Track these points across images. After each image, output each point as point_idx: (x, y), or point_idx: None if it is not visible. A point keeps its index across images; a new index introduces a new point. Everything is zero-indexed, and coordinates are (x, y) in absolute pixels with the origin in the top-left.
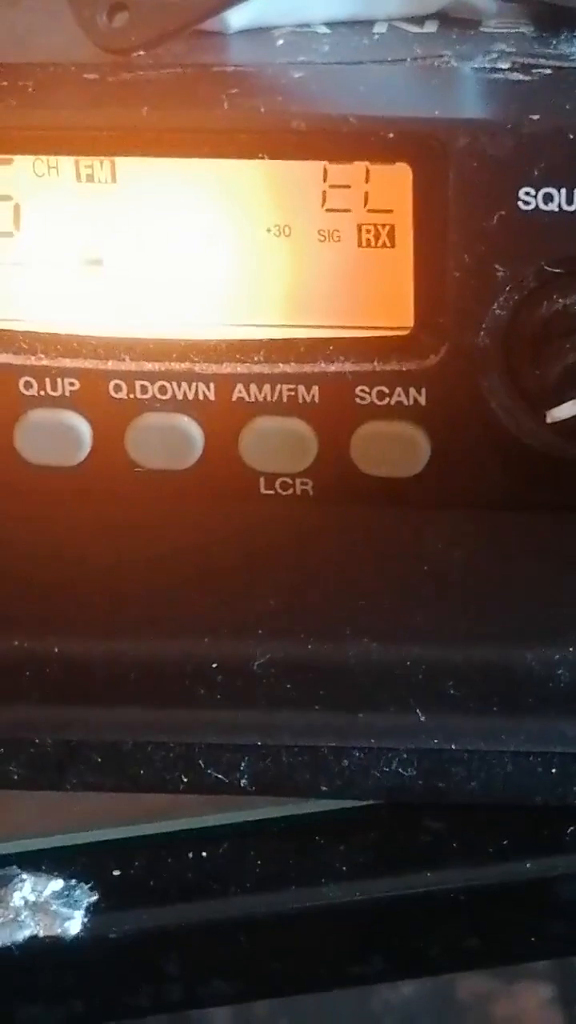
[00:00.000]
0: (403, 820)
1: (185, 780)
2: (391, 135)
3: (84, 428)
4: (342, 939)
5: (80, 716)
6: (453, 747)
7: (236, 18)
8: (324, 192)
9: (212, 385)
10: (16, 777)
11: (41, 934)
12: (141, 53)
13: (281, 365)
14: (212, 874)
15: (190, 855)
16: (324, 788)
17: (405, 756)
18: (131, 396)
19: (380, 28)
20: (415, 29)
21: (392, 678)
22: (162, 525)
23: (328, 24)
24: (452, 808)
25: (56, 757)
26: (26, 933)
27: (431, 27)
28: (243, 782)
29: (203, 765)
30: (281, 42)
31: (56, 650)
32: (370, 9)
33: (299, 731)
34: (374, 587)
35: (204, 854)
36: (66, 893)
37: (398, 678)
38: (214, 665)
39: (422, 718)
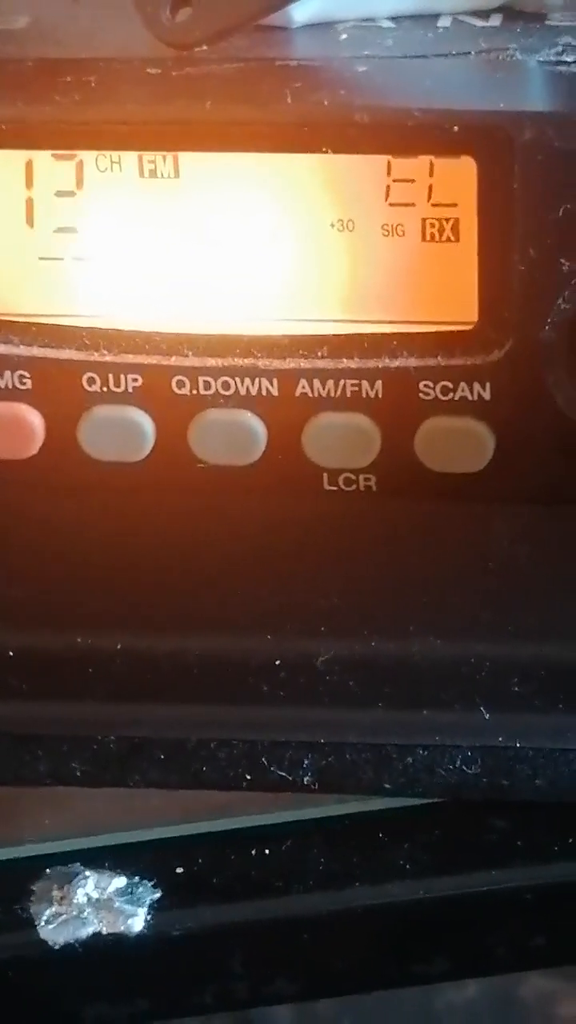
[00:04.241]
0: (468, 818)
1: (248, 777)
2: (456, 128)
3: (147, 424)
4: (406, 938)
5: (143, 713)
6: (518, 744)
7: (300, 12)
8: (388, 186)
9: (275, 381)
10: (79, 774)
11: (104, 931)
12: (204, 48)
13: (344, 360)
14: (276, 872)
15: (253, 852)
16: (388, 786)
17: (469, 754)
18: (194, 392)
19: (444, 22)
20: (480, 23)
21: (456, 675)
22: (225, 521)
23: (392, 18)
24: (517, 806)
25: (119, 754)
26: (89, 930)
27: (496, 21)
28: (306, 780)
29: (266, 763)
30: (345, 36)
31: (119, 647)
32: (434, 3)
33: (363, 728)
34: (438, 584)
35: (267, 852)
36: (129, 890)
37: (462, 675)
38: (277, 662)
39: (487, 715)
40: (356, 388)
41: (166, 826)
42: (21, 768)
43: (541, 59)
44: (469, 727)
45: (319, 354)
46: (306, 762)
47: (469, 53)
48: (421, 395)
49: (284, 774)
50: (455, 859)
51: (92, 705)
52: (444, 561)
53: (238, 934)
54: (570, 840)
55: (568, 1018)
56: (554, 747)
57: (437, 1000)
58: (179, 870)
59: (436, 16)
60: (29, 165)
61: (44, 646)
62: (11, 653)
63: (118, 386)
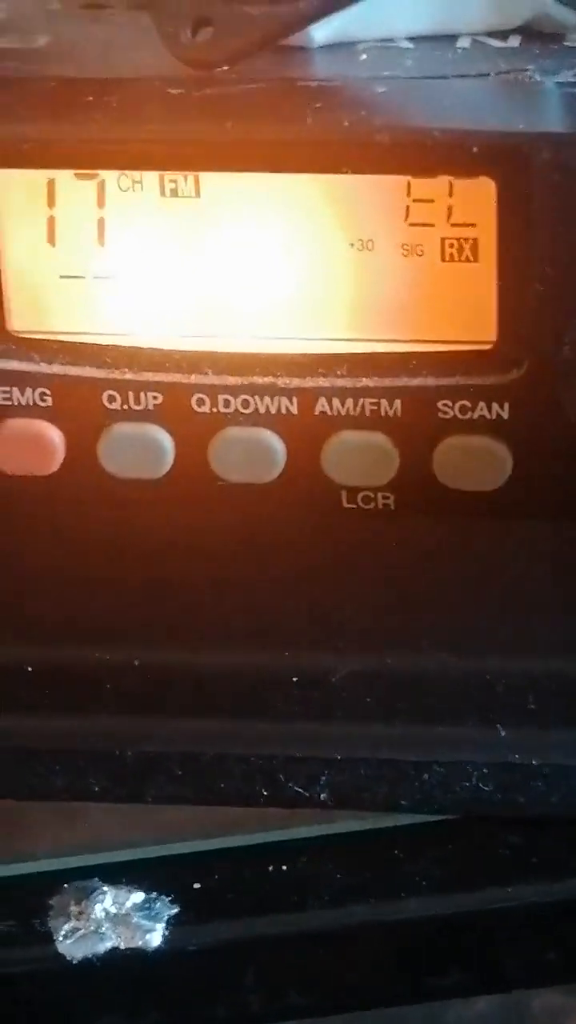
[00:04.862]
0: (482, 834)
1: (265, 793)
2: (475, 149)
3: (167, 441)
4: (420, 954)
5: (160, 728)
6: (533, 762)
7: (320, 33)
8: (407, 206)
9: (295, 399)
10: (96, 789)
11: (122, 946)
12: (225, 68)
13: (363, 379)
14: (291, 887)
15: (270, 868)
16: (403, 802)
17: (485, 771)
18: (214, 410)
19: (463, 43)
20: (498, 44)
21: (471, 692)
22: (243, 538)
23: (411, 39)
24: (532, 823)
25: (136, 769)
26: (107, 945)
27: (514, 42)
28: (322, 796)
29: (283, 778)
30: (364, 57)
31: (136, 662)
32: (453, 24)
33: (379, 745)
34: (454, 600)
35: (284, 867)
36: (147, 906)
37: (478, 692)
38: (294, 678)
39: (502, 732)
40: (375, 407)
41: (183, 841)
42: (38, 783)
43: (559, 80)
44: (485, 744)
45: (338, 373)
46: (322, 778)
47: (488, 74)
48: (440, 414)
49: (300, 790)
50: (469, 876)
51: (109, 720)
52: (460, 578)
53: (253, 949)
54: None
55: None
56: (569, 764)
57: (447, 1014)
58: (196, 885)
59: (455, 37)
60: (51, 184)
61: (62, 661)
62: (29, 668)
63: (138, 404)
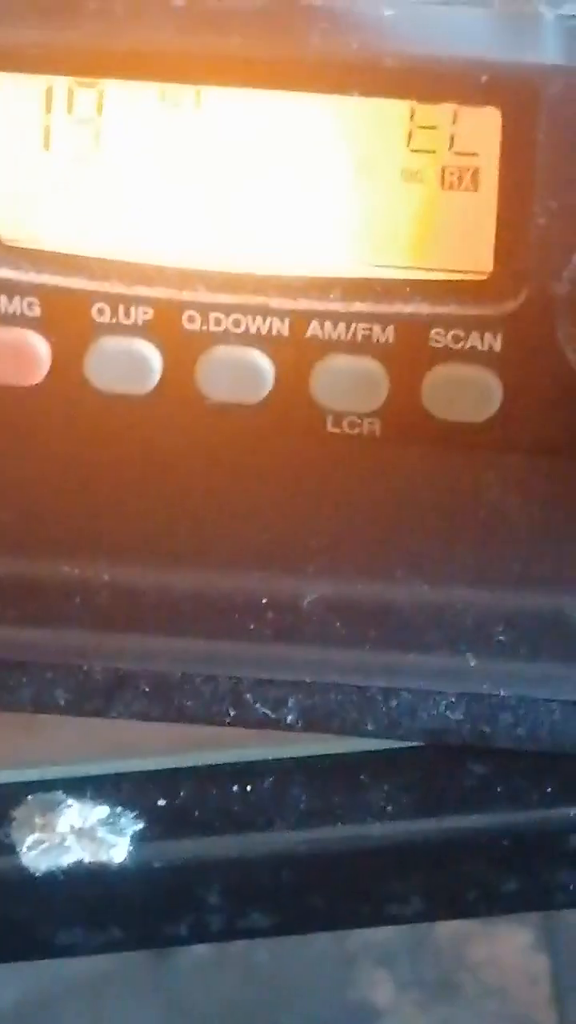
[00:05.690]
0: (448, 763)
1: (232, 713)
2: (484, 78)
3: (155, 357)
4: (382, 877)
5: (129, 645)
6: (501, 693)
7: None
8: (410, 132)
9: (286, 320)
10: (63, 702)
11: (87, 860)
12: None
13: (356, 304)
14: (256, 808)
15: (235, 788)
16: (370, 727)
17: (453, 699)
18: (204, 328)
19: None
20: None
21: (443, 621)
22: (226, 458)
23: None
24: (497, 753)
25: (104, 684)
26: (72, 858)
27: None
28: (289, 718)
29: (251, 699)
30: None
31: (107, 577)
32: None
33: (348, 670)
34: (431, 530)
35: (249, 788)
36: (112, 820)
37: (449, 621)
38: (264, 600)
39: (472, 662)
40: (367, 332)
41: (149, 758)
42: (4, 694)
43: (564, 13)
44: (454, 673)
45: (331, 296)
46: (290, 701)
47: (492, 4)
48: (431, 342)
49: (268, 711)
50: (434, 803)
51: (78, 634)
52: (437, 508)
53: (217, 868)
54: (548, 789)
55: (479, 961)
56: (537, 696)
57: (350, 939)
58: (161, 802)
59: None
60: (49, 91)
61: (33, 573)
62: None
63: (127, 318)
